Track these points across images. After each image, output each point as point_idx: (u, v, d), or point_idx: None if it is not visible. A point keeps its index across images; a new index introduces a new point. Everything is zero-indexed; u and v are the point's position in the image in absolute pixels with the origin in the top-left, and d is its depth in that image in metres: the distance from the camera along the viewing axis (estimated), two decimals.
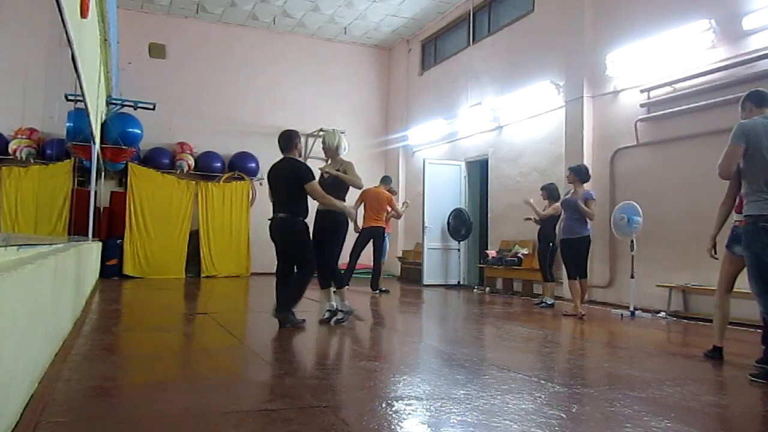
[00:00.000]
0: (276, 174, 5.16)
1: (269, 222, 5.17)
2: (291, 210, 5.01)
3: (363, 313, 6.26)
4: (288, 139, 5.17)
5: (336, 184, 5.26)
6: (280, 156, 5.19)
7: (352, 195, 6.85)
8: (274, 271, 5.25)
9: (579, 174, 6.50)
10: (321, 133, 5.40)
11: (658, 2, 7.17)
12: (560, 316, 6.38)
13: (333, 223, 5.25)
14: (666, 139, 6.95)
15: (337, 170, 5.27)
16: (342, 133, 5.91)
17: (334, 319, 5.21)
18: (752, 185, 3.58)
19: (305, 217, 5.10)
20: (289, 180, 5.03)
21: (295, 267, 5.11)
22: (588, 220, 6.40)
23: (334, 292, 5.38)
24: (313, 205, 5.19)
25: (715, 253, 4.00)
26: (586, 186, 6.55)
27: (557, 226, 6.73)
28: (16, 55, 3.40)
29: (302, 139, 12.22)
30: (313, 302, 6.32)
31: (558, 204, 6.92)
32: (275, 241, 5.15)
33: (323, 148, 5.50)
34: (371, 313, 6.52)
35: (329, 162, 5.53)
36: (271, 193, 5.23)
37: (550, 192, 7.43)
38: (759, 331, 5.47)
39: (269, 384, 3.05)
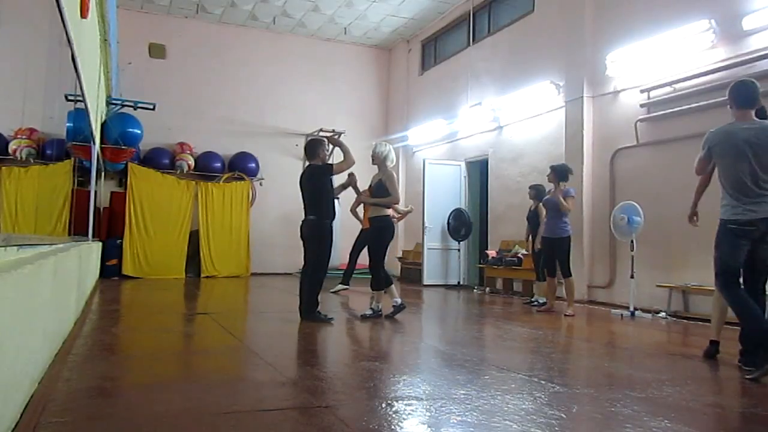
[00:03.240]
0: (302, 181, 5.69)
1: (300, 224, 5.66)
2: (318, 213, 5.49)
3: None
4: (311, 148, 5.69)
5: (378, 192, 5.74)
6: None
7: (351, 194, 6.88)
8: (301, 272, 5.80)
9: (558, 173, 6.68)
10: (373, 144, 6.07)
11: (658, 2, 7.17)
12: (560, 316, 6.38)
13: (375, 228, 5.76)
14: (666, 139, 6.96)
15: (380, 179, 5.73)
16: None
17: (361, 314, 5.76)
18: (723, 190, 3.77)
19: (332, 220, 5.57)
20: (311, 184, 5.55)
21: (312, 265, 5.55)
22: (568, 221, 6.57)
23: (373, 290, 5.86)
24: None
25: (697, 220, 4.22)
26: (568, 184, 6.75)
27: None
28: (16, 55, 3.40)
29: (304, 139, 12.41)
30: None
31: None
32: (303, 241, 5.64)
33: (372, 155, 5.86)
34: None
35: (377, 170, 5.88)
36: (302, 198, 5.69)
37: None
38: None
39: (269, 384, 3.05)
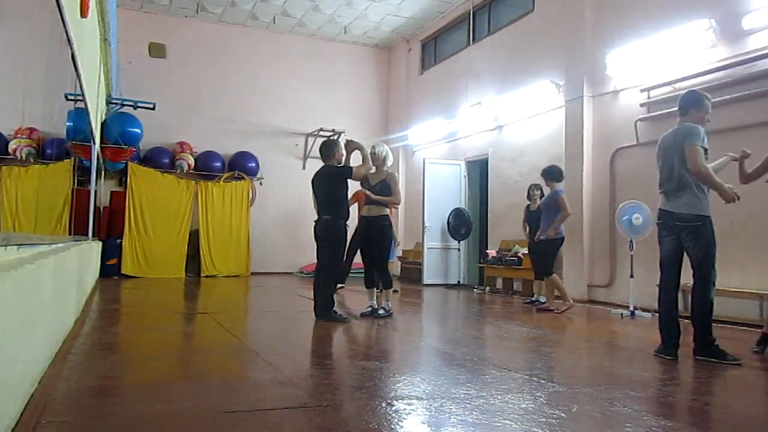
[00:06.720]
0: (317, 180, 5.74)
1: (314, 223, 5.71)
2: (333, 212, 5.55)
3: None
4: (327, 149, 5.74)
5: (382, 193, 5.79)
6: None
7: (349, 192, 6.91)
8: (314, 271, 5.79)
9: (551, 175, 6.91)
10: (373, 146, 6.08)
11: (658, 2, 7.17)
12: (559, 314, 6.39)
13: (380, 228, 5.80)
14: None
15: (383, 179, 5.84)
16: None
17: (376, 313, 5.76)
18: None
19: (346, 220, 5.63)
20: (328, 185, 5.61)
21: (324, 263, 5.59)
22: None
23: (380, 291, 5.90)
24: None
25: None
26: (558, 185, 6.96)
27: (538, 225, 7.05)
28: (16, 54, 3.40)
29: (304, 139, 12.42)
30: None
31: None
32: (318, 240, 5.67)
33: (372, 155, 5.91)
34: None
35: (374, 170, 5.91)
36: (315, 198, 5.78)
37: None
38: (759, 330, 5.47)
39: (269, 383, 3.05)
